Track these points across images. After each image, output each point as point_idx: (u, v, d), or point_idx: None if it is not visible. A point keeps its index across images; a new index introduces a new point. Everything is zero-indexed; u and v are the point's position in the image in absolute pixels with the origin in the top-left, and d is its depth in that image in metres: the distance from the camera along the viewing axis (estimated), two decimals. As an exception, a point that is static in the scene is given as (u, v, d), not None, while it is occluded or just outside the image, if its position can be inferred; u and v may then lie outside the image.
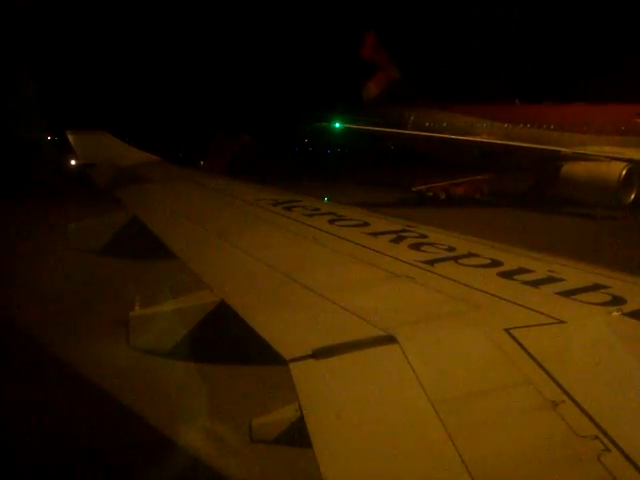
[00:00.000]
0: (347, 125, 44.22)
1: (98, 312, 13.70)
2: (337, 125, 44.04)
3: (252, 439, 3.47)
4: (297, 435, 2.59)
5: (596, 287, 3.31)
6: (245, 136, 51.80)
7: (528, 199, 35.88)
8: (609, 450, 1.94)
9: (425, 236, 4.64)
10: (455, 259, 3.96)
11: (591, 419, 2.10)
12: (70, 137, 10.47)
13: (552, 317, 2.84)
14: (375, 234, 4.72)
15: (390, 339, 2.72)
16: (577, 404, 2.18)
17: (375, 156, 53.94)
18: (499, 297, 3.17)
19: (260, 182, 7.79)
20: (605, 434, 2.01)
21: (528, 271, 3.66)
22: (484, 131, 41.96)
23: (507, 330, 2.71)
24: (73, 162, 22.33)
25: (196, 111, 62.03)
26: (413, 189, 37.64)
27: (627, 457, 1.90)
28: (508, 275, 3.58)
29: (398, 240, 4.51)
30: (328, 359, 2.64)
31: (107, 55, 61.28)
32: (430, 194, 37.55)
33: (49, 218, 21.35)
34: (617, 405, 2.26)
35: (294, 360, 2.64)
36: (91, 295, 15.61)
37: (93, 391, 10.77)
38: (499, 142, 38.67)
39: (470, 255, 4.05)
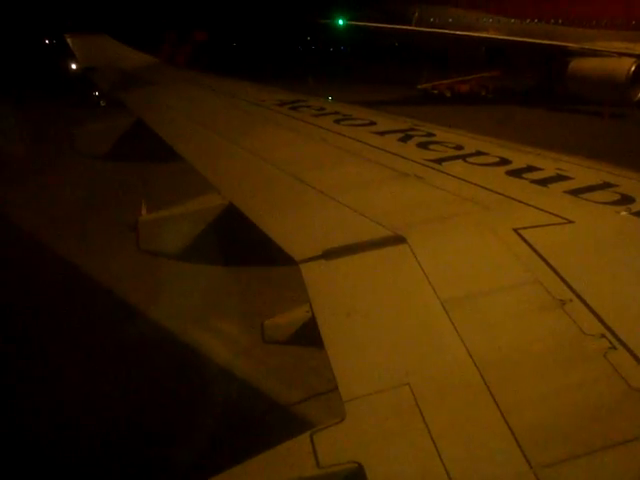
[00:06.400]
0: (351, 22, 43.20)
1: (107, 216, 13.76)
2: (340, 22, 43.02)
3: (264, 340, 3.54)
4: (309, 335, 2.63)
5: (605, 186, 3.29)
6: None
7: (535, 96, 35.33)
8: (615, 348, 1.97)
9: (432, 134, 4.60)
10: (463, 158, 3.93)
11: (598, 318, 2.12)
12: (69, 40, 10.29)
13: (561, 217, 2.84)
14: (382, 133, 4.67)
15: (400, 239, 2.73)
16: (584, 303, 2.20)
17: (379, 54, 52.87)
18: (508, 197, 3.16)
19: (259, 82, 7.69)
20: (612, 332, 2.04)
21: (536, 169, 3.64)
22: (490, 26, 40.95)
23: (516, 230, 2.72)
24: (74, 66, 21.93)
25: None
26: (418, 87, 37.10)
27: (633, 354, 1.93)
28: (517, 174, 3.56)
29: (406, 139, 4.47)
30: (338, 259, 2.66)
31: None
32: (435, 92, 37.04)
33: (54, 123, 21.14)
34: (624, 304, 2.27)
35: (304, 261, 2.67)
36: (99, 200, 15.65)
37: (106, 293, 10.96)
38: (505, 38, 37.77)
39: (478, 154, 4.02)
